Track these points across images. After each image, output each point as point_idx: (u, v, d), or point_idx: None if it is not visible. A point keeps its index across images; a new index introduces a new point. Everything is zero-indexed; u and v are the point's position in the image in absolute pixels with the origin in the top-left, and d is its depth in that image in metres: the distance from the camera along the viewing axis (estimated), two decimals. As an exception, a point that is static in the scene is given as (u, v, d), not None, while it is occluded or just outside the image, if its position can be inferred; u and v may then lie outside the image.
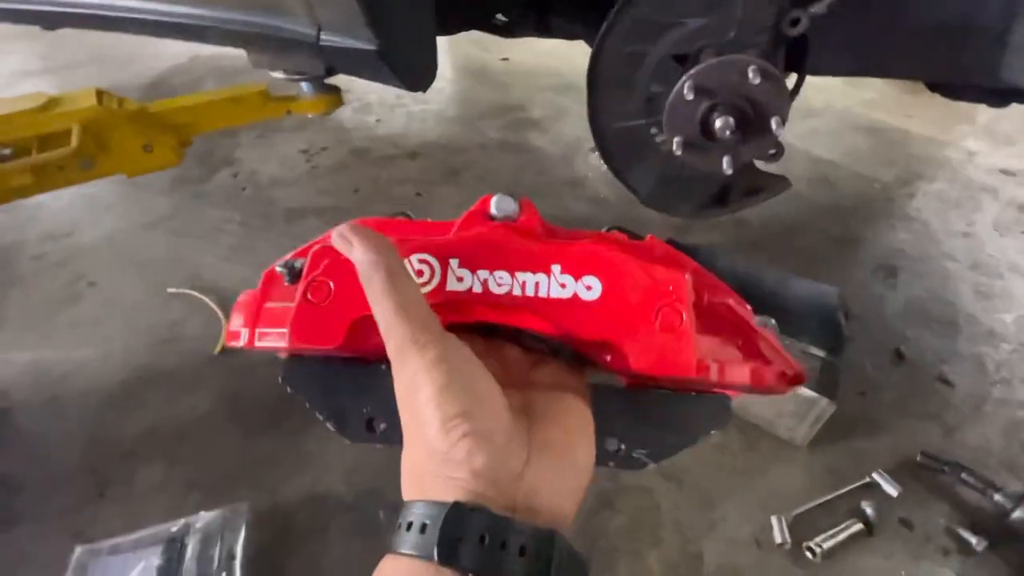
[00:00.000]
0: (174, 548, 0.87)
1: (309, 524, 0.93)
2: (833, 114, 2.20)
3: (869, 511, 0.91)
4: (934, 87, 1.10)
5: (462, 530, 0.25)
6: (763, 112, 0.76)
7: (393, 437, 0.34)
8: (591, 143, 2.12)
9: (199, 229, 1.62)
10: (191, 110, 1.05)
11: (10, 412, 1.13)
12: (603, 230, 0.40)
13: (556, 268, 0.33)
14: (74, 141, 0.91)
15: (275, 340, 0.36)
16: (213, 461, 1.02)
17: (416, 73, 0.89)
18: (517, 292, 0.33)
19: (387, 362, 0.31)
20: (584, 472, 0.31)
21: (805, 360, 1.13)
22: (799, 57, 0.86)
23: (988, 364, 1.19)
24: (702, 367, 0.33)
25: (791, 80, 0.90)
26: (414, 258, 0.34)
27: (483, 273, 0.33)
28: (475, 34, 1.34)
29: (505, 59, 2.90)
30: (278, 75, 1.07)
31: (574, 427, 0.32)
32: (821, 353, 1.14)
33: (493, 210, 0.37)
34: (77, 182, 0.95)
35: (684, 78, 0.76)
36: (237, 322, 0.38)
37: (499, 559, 0.24)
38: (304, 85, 1.12)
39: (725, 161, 0.80)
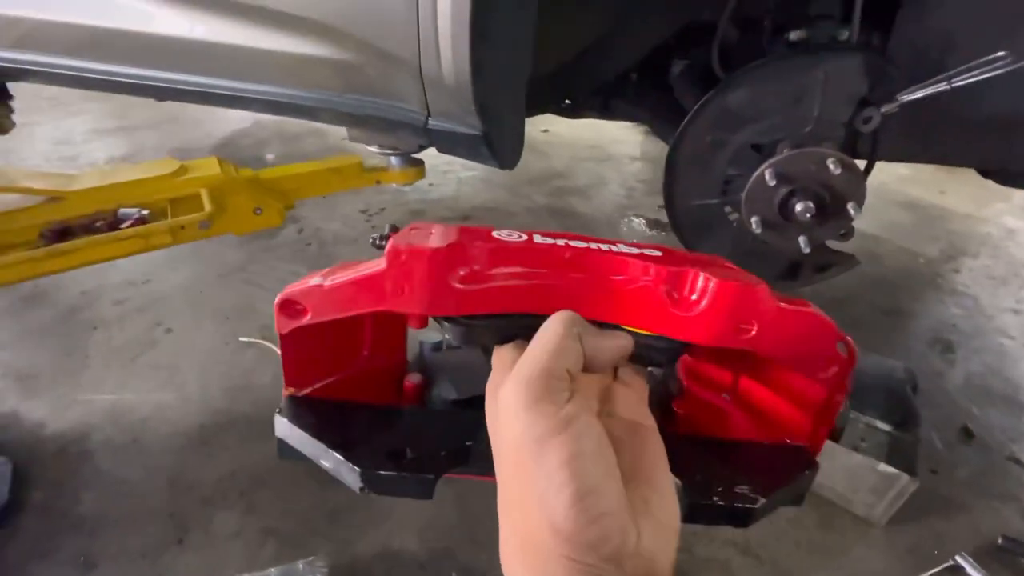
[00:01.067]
0: (254, 599, 0.88)
1: (385, 581, 0.93)
2: (871, 189, 2.27)
3: (957, 596, 0.89)
4: (986, 174, 1.17)
5: None
6: (840, 197, 0.82)
7: (426, 467, 0.33)
8: (632, 209, 2.21)
9: (268, 281, 1.71)
10: (297, 178, 1.16)
11: (92, 453, 1.17)
12: None
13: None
14: (207, 205, 1.02)
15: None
16: (289, 510, 1.04)
17: (508, 153, 0.98)
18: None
19: (409, 405, 0.35)
20: (676, 530, 0.27)
21: (873, 436, 1.13)
22: (869, 147, 0.93)
23: (1059, 445, 1.18)
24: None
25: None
26: None
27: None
28: None
29: (545, 131, 3.09)
30: (373, 149, 1.17)
31: (661, 476, 0.27)
32: (888, 428, 1.14)
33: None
34: (197, 239, 1.04)
35: (765, 165, 0.83)
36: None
37: None
38: (393, 159, 1.23)
39: (802, 241, 0.86)
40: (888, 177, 2.38)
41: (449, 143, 0.96)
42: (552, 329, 0.29)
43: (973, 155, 1.04)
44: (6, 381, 1.33)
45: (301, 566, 0.92)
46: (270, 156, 2.73)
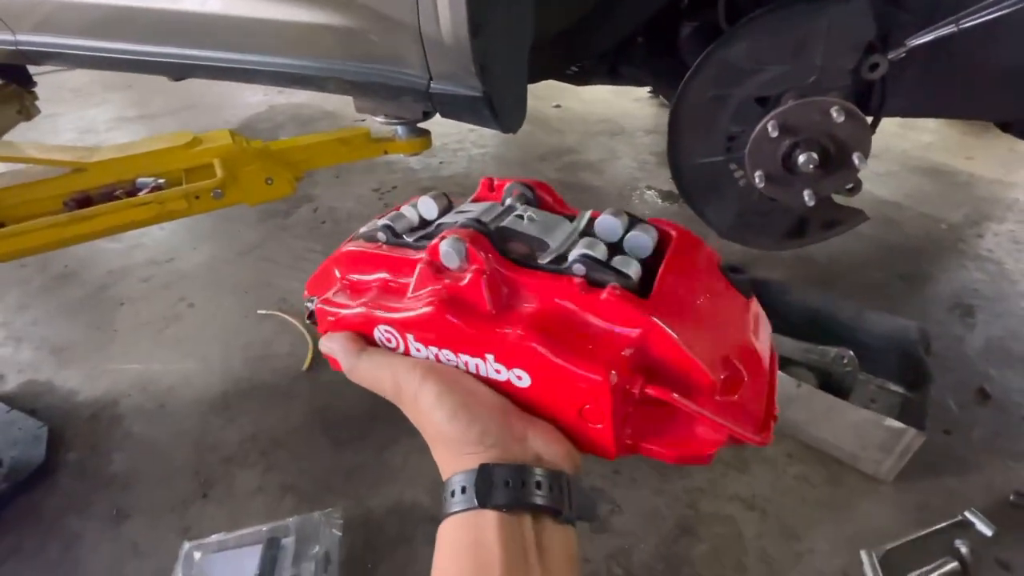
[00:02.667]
0: (274, 547, 0.92)
1: (397, 533, 0.97)
2: (892, 157, 2.21)
3: (964, 550, 0.89)
4: (1005, 127, 1.13)
5: (491, 481, 0.32)
6: (845, 148, 0.81)
7: None
8: (645, 182, 2.19)
9: (285, 258, 1.76)
10: (306, 149, 1.19)
11: (122, 418, 1.23)
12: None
13: (490, 357, 0.36)
14: (219, 172, 1.05)
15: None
16: (306, 468, 1.09)
17: (510, 116, 0.99)
18: (462, 367, 0.37)
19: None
20: (561, 440, 0.37)
21: (885, 397, 1.12)
22: (877, 97, 0.91)
23: (1081, 406, 1.15)
24: (624, 448, 0.35)
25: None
26: (382, 327, 0.38)
27: (433, 348, 0.37)
28: (529, 84, 1.45)
29: (557, 106, 3.07)
30: (379, 119, 1.19)
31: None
32: (900, 389, 1.13)
33: (443, 260, 0.37)
34: (211, 209, 1.08)
35: (768, 117, 0.82)
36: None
37: (523, 494, 0.32)
38: (399, 129, 1.25)
39: (806, 194, 0.85)
40: (911, 144, 2.30)
41: (451, 106, 0.97)
42: (355, 368, 0.40)
43: (988, 107, 1.01)
44: (41, 353, 1.41)
45: (317, 516, 0.96)
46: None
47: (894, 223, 1.79)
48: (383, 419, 1.16)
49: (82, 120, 3.11)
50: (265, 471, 1.09)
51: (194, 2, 1.06)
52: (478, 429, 0.34)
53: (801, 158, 0.80)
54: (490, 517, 0.32)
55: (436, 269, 0.37)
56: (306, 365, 1.31)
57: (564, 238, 0.38)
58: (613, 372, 0.32)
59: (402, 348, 0.39)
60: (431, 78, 0.95)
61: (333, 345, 0.40)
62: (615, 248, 0.37)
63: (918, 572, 0.86)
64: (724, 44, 0.86)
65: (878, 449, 0.95)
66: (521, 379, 0.35)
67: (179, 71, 1.25)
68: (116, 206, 0.98)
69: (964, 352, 1.29)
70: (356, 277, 0.42)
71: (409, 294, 0.38)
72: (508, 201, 0.43)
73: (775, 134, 0.81)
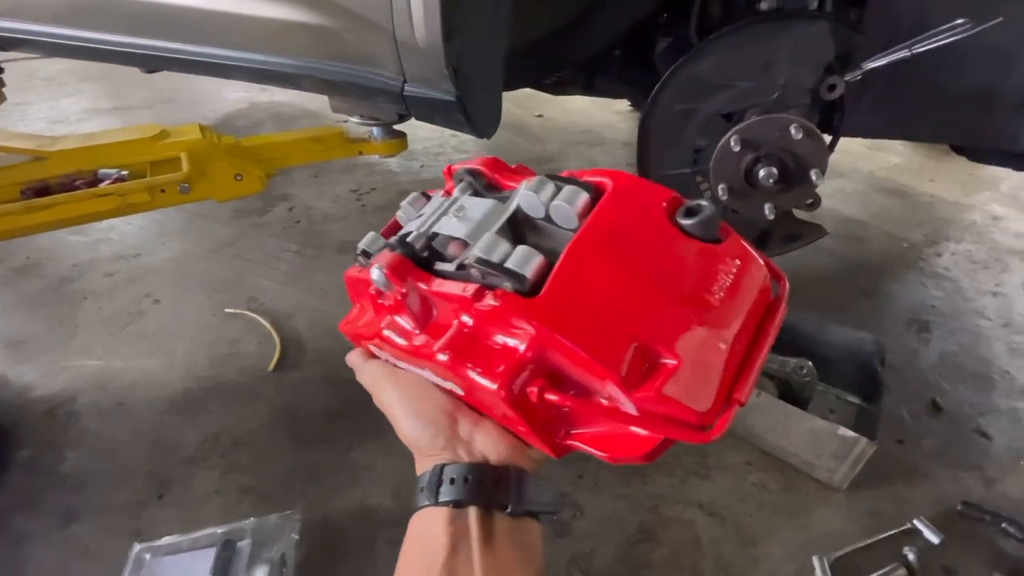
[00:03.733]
0: (229, 550, 0.91)
1: (358, 536, 0.96)
2: (859, 177, 2.28)
3: (911, 557, 0.91)
4: (959, 150, 1.18)
5: (439, 480, 0.37)
6: (804, 164, 0.84)
7: None
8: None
9: (258, 256, 1.73)
10: (279, 146, 1.18)
11: (79, 415, 1.20)
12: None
13: (428, 370, 0.39)
14: (185, 166, 1.03)
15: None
16: (267, 470, 1.07)
17: (484, 121, 1.00)
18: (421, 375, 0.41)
19: None
20: (508, 443, 0.40)
21: (842, 407, 1.16)
22: (836, 118, 0.95)
23: (1026, 420, 1.20)
24: (560, 448, 0.37)
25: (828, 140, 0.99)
26: (373, 342, 0.44)
27: (401, 360, 0.42)
28: (513, 93, 1.47)
29: (540, 116, 3.10)
30: (354, 120, 1.19)
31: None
32: (857, 400, 1.16)
33: (378, 288, 0.39)
34: (177, 203, 1.06)
35: (731, 132, 0.85)
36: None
37: (466, 490, 0.36)
38: (375, 130, 1.25)
39: (767, 208, 0.88)
40: (877, 166, 2.39)
41: (425, 109, 0.97)
42: (359, 372, 0.48)
43: (942, 130, 1.06)
44: (-4, 347, 1.36)
45: (275, 519, 0.95)
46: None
47: (859, 240, 1.85)
48: (349, 418, 1.15)
49: (53, 110, 3.03)
50: (224, 472, 1.07)
51: (168, -6, 1.05)
52: (431, 433, 0.39)
53: (762, 172, 0.83)
54: (440, 512, 0.36)
55: (379, 293, 0.40)
56: (272, 365, 1.29)
57: (489, 233, 0.37)
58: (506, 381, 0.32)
59: (388, 359, 0.43)
60: (405, 80, 0.96)
61: (351, 356, 0.48)
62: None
63: (867, 578, 0.88)
64: (692, 59, 0.89)
65: (832, 457, 0.98)
66: (455, 389, 0.38)
67: (151, 63, 1.23)
68: (75, 196, 0.95)
69: (919, 366, 1.34)
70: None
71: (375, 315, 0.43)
72: (456, 193, 0.43)
73: (737, 148, 0.83)
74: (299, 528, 0.94)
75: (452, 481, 0.36)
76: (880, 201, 2.11)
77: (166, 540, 0.92)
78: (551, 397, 0.32)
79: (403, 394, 0.41)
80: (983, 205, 2.08)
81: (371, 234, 0.45)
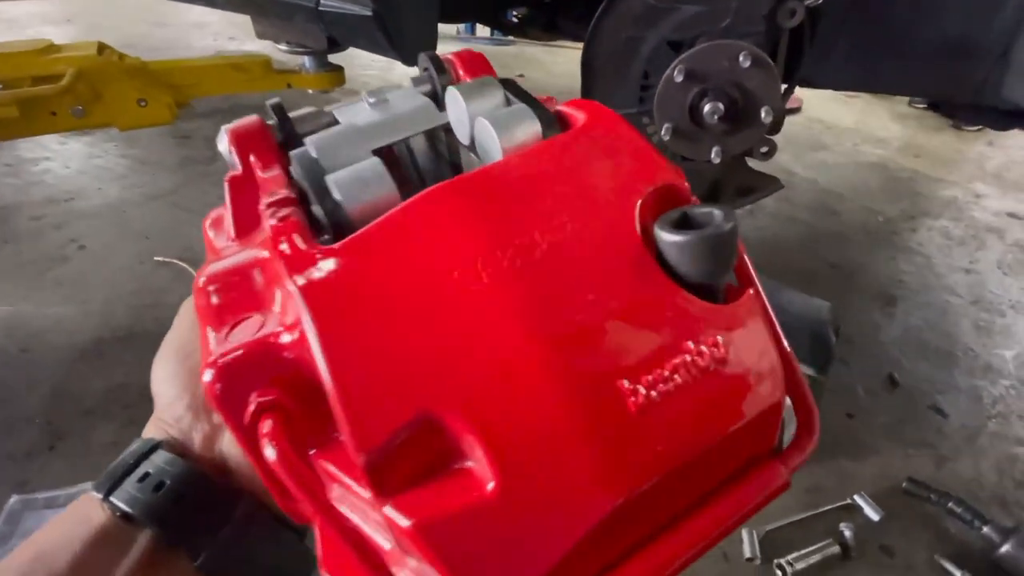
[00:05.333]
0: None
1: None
2: (843, 150, 2.20)
3: (848, 534, 0.86)
4: (935, 107, 1.09)
5: (132, 465, 0.26)
6: (753, 101, 0.75)
7: None
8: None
9: (198, 206, 1.63)
10: (192, 71, 1.07)
11: (-22, 361, 1.11)
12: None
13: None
14: (65, 81, 0.93)
15: None
16: (172, 424, 0.99)
17: (410, 44, 0.90)
18: None
19: None
20: None
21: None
22: (797, 52, 0.85)
23: (985, 398, 1.15)
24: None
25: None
26: None
27: None
28: (497, 50, 1.35)
29: (520, 75, 2.96)
30: (282, 47, 1.08)
31: None
32: (810, 371, 1.10)
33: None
34: (67, 129, 0.96)
35: (676, 62, 0.76)
36: None
37: (151, 499, 0.25)
38: (307, 61, 1.14)
39: (714, 151, 0.79)
40: (863, 139, 2.30)
41: (343, 29, 0.87)
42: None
43: (919, 83, 0.97)
44: (-102, 287, 1.26)
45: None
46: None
47: (834, 213, 1.77)
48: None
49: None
50: (125, 425, 0.99)
51: None
52: (179, 386, 0.28)
53: (707, 107, 0.74)
54: (98, 514, 0.25)
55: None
56: (195, 316, 1.21)
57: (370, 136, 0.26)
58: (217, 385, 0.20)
59: None
60: (321, -5, 0.85)
61: None
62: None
63: (798, 553, 0.83)
64: (639, -20, 0.79)
65: (773, 427, 0.91)
66: None
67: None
68: None
69: (880, 340, 1.28)
70: None
71: None
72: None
73: (681, 78, 0.74)
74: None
75: (145, 477, 0.25)
76: (861, 175, 2.03)
77: (45, 493, 0.84)
78: (265, 428, 0.19)
79: (188, 324, 0.30)
80: (966, 183, 2.01)
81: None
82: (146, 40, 3.14)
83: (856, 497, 0.91)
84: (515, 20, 1.32)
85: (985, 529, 0.85)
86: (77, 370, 1.09)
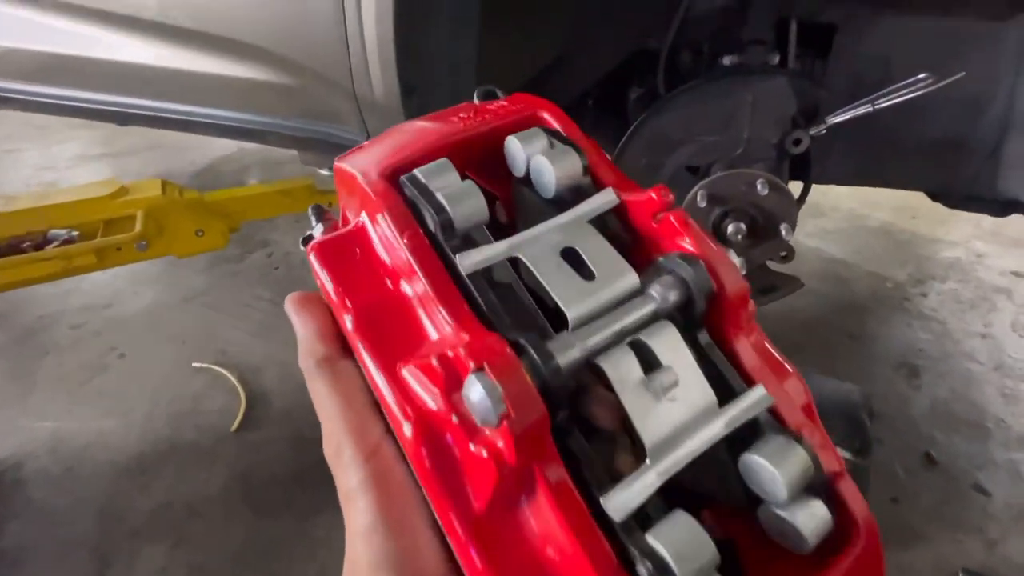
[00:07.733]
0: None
1: (312, 619, 0.88)
2: (840, 215, 2.29)
3: (913, 635, 0.84)
4: (936, 197, 1.17)
5: None
6: (773, 219, 0.81)
7: None
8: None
9: (231, 306, 1.69)
10: (244, 200, 1.16)
11: (25, 482, 1.13)
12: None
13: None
14: (138, 227, 1.01)
15: None
16: (221, 543, 1.00)
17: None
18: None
19: None
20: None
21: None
22: (805, 169, 0.93)
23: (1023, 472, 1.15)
24: None
25: (799, 190, 0.97)
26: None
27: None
28: None
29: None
30: (324, 172, 1.17)
31: None
32: (847, 455, 1.11)
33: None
34: (132, 261, 1.03)
35: (697, 188, 0.83)
36: None
37: None
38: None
39: (738, 263, 0.85)
40: (859, 204, 2.39)
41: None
42: (311, 370, 0.27)
43: (916, 178, 1.04)
44: (-54, 407, 1.30)
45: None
46: (252, 182, 2.74)
47: (843, 280, 1.83)
48: (310, 484, 1.08)
49: (44, 157, 3.05)
50: (174, 546, 0.99)
51: (129, 53, 1.05)
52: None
53: (730, 228, 0.81)
54: None
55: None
56: (235, 426, 1.23)
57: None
58: None
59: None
60: (368, 136, 0.94)
61: (297, 320, 0.27)
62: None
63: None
64: (656, 113, 0.88)
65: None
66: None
67: (120, 119, 1.22)
68: (13, 261, 0.92)
69: (910, 414, 1.29)
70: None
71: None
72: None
73: (704, 203, 0.81)
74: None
75: None
76: (862, 239, 2.10)
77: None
78: None
79: (381, 519, 0.23)
80: (966, 242, 2.07)
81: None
82: (170, 137, 3.33)
83: (914, 593, 0.90)
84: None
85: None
86: (121, 488, 1.11)
